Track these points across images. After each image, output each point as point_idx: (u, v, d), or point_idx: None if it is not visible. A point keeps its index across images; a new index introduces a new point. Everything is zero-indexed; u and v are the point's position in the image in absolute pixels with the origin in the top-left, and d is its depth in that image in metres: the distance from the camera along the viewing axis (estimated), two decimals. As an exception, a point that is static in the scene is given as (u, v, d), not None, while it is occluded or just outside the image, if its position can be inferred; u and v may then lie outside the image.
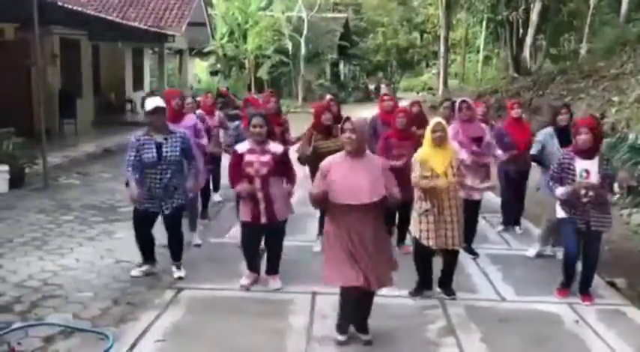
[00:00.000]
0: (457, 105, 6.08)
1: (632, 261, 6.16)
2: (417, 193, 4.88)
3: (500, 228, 7.20)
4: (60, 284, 5.04)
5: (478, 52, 35.21)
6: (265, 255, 5.28)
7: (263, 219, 4.90)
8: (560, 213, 5.11)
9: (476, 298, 5.09)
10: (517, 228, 7.18)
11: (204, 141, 6.34)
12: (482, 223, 7.21)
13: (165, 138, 5.03)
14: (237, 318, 4.50)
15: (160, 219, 5.25)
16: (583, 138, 4.78)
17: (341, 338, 4.15)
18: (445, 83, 31.48)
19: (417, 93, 36.53)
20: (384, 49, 46.27)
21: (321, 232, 6.12)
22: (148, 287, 5.05)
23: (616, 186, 4.85)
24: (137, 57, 20.56)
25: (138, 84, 20.71)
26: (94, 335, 4.12)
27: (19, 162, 8.78)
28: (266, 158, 4.83)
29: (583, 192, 4.75)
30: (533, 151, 6.18)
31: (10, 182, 8.40)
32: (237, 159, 4.92)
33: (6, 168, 8.38)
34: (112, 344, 3.96)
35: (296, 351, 4.04)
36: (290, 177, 5.06)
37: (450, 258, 4.98)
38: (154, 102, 5.01)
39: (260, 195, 4.86)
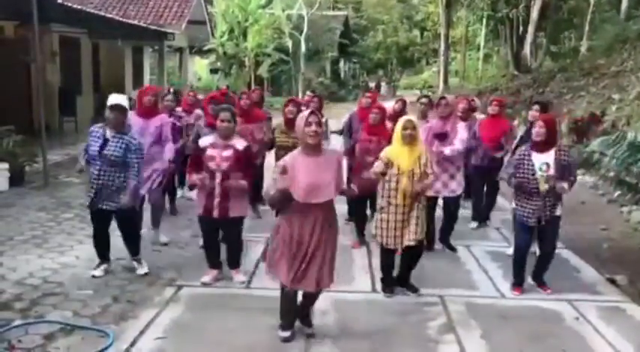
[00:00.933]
0: (435, 101, 6.12)
1: (632, 258, 6.16)
2: (379, 191, 4.85)
3: (474, 224, 7.15)
4: (60, 281, 5.04)
5: (478, 49, 35.21)
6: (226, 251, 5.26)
7: (215, 213, 4.89)
8: (514, 204, 5.17)
9: (476, 295, 5.09)
10: (487, 221, 7.20)
11: (169, 146, 5.97)
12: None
13: (114, 136, 4.95)
14: (237, 315, 4.50)
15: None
16: (536, 130, 4.84)
17: (284, 334, 4.13)
18: (445, 81, 31.50)
19: (421, 90, 36.53)
20: (384, 47, 46.28)
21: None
22: (147, 285, 5.05)
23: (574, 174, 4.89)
24: (137, 55, 20.52)
25: (138, 82, 20.66)
26: (94, 332, 4.11)
27: (19, 160, 8.77)
28: (228, 153, 4.81)
29: (546, 186, 4.72)
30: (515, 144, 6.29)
31: (10, 180, 8.40)
32: (199, 153, 4.91)
33: (6, 165, 8.38)
34: (112, 341, 3.96)
35: (296, 348, 4.04)
36: (248, 174, 4.98)
37: (409, 254, 4.89)
38: (114, 99, 4.98)
39: (217, 190, 4.83)
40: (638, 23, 18.37)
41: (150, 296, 4.82)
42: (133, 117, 5.63)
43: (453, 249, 6.19)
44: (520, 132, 6.34)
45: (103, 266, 5.27)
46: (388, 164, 4.68)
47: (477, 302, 4.91)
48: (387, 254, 4.94)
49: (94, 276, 5.15)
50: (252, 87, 26.78)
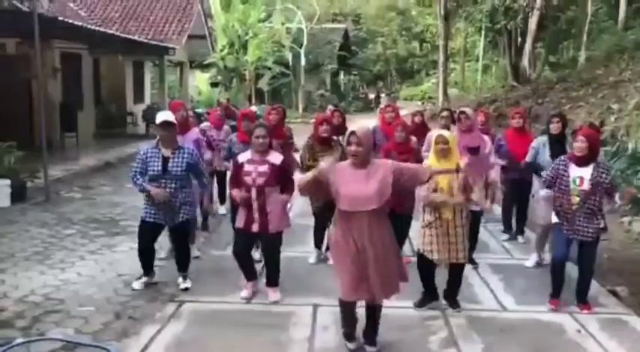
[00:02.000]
0: (456, 115, 6.11)
1: (633, 269, 6.16)
2: (421, 205, 4.87)
3: (505, 237, 7.20)
4: (62, 298, 5.04)
5: (477, 60, 35.33)
6: (264, 267, 5.28)
7: (255, 228, 4.94)
8: (554, 219, 5.14)
9: (477, 308, 5.08)
10: (520, 237, 7.17)
11: (208, 155, 6.34)
12: (482, 232, 7.22)
13: (173, 153, 5.08)
14: (239, 331, 4.50)
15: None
16: (578, 145, 4.85)
17: (351, 346, 4.18)
18: (445, 92, 31.54)
19: (422, 102, 36.63)
20: (383, 59, 46.51)
21: (317, 244, 6.15)
22: (149, 301, 5.05)
23: (617, 197, 4.86)
24: (138, 70, 20.65)
25: (139, 96, 20.79)
26: (96, 349, 4.11)
27: (20, 176, 8.82)
28: (264, 168, 4.87)
29: (577, 200, 4.77)
30: (527, 158, 6.25)
31: (12, 196, 8.43)
32: (237, 169, 4.99)
33: (8, 182, 8.42)
34: (114, 358, 3.96)
35: (298, 364, 4.04)
36: (288, 187, 5.06)
37: (455, 271, 4.97)
38: (163, 116, 5.07)
39: (255, 204, 4.89)
40: (635, 33, 18.48)
41: (151, 312, 4.83)
42: None
43: (474, 263, 6.16)
44: (536, 144, 6.28)
45: (144, 279, 5.35)
46: (435, 190, 4.68)
47: (479, 316, 4.91)
48: (426, 266, 4.94)
49: (133, 289, 5.23)
50: (253, 100, 26.98)
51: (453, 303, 5.03)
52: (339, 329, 4.40)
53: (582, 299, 5.09)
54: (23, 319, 4.61)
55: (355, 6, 48.12)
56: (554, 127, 6.12)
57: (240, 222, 5.04)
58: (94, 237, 6.98)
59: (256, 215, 4.91)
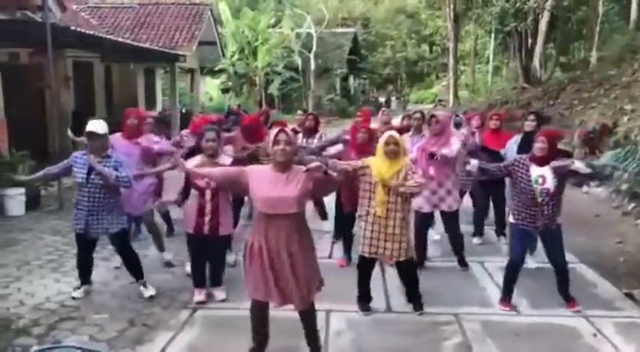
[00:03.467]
0: (427, 119, 6.16)
1: (649, 272, 6.09)
2: (360, 200, 4.89)
3: (476, 240, 7.10)
4: (76, 306, 5.09)
5: (487, 62, 35.23)
6: (209, 269, 5.31)
7: (205, 230, 5.03)
8: (511, 218, 5.14)
9: (491, 312, 5.06)
10: (502, 238, 7.01)
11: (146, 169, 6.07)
12: (490, 234, 7.18)
13: (100, 161, 4.99)
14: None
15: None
16: (539, 146, 4.85)
17: None
18: (455, 95, 31.48)
19: (436, 104, 36.56)
20: (393, 63, 46.54)
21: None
22: (162, 308, 5.08)
23: (581, 165, 4.84)
24: (149, 77, 20.78)
25: (150, 103, 20.90)
26: (110, 356, 4.15)
27: (34, 184, 8.89)
28: None
29: (541, 199, 4.79)
30: (503, 150, 6.30)
31: (26, 204, 8.52)
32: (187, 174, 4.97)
33: (22, 190, 8.50)
34: (129, 365, 3.98)
35: (311, 370, 4.03)
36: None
37: (402, 269, 4.96)
38: (89, 126, 4.98)
39: (208, 207, 5.00)
40: (648, 33, 18.33)
41: (165, 319, 4.85)
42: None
43: (464, 265, 6.17)
44: (514, 141, 6.31)
45: (83, 288, 5.36)
46: (364, 168, 4.75)
47: (493, 320, 4.88)
48: (363, 264, 4.97)
49: (74, 298, 5.23)
50: (264, 105, 27.06)
51: (416, 305, 5.00)
52: (353, 335, 4.40)
53: (567, 296, 5.10)
54: (39, 326, 4.65)
55: (364, 10, 48.17)
56: (529, 125, 6.17)
57: (190, 227, 5.10)
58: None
59: (207, 218, 5.02)
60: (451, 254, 6.24)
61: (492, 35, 30.54)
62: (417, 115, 7.16)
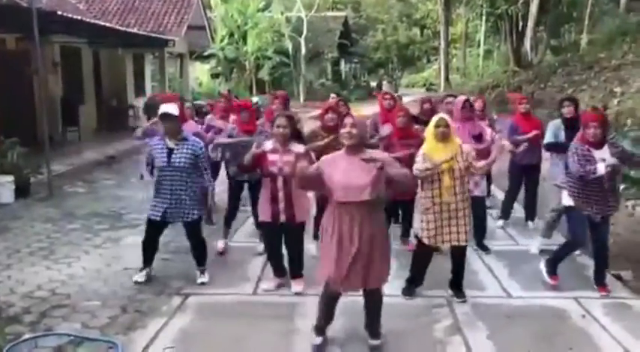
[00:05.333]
0: (459, 103, 6.09)
1: (637, 254, 6.14)
2: (421, 191, 4.86)
3: (500, 222, 7.20)
4: (68, 293, 5.07)
5: (479, 46, 35.18)
6: (287, 258, 5.27)
7: (282, 218, 4.95)
8: (569, 202, 5.15)
9: (482, 295, 5.10)
10: (530, 223, 7.16)
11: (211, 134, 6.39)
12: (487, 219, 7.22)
13: (177, 144, 5.07)
14: (245, 322, 4.52)
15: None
16: (592, 132, 4.86)
17: (317, 341, 4.11)
18: (447, 78, 31.47)
19: (427, 89, 36.51)
20: (384, 46, 46.35)
21: (316, 236, 6.17)
22: (155, 294, 5.07)
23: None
24: (138, 62, 20.58)
25: (139, 89, 20.74)
26: (103, 344, 4.14)
27: (24, 171, 8.83)
28: (289, 157, 4.86)
29: (605, 179, 4.83)
30: (547, 140, 6.23)
31: (15, 192, 8.46)
32: (261, 156, 4.93)
33: (11, 178, 8.43)
34: (121, 352, 3.99)
35: (304, 354, 4.06)
36: None
37: (457, 255, 4.97)
38: (162, 109, 5.05)
39: (281, 194, 4.90)
40: (638, 15, 18.34)
41: (157, 305, 4.85)
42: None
43: (486, 249, 6.22)
44: (555, 128, 6.28)
45: (145, 271, 5.36)
46: (427, 162, 4.67)
47: (484, 303, 4.92)
48: (425, 255, 4.96)
49: (136, 282, 5.24)
50: (254, 90, 26.94)
51: (459, 293, 5.02)
52: (347, 320, 4.42)
53: (602, 282, 5.15)
54: (30, 314, 4.63)
55: (355, -7, 47.86)
56: (568, 111, 6.12)
57: (265, 215, 5.02)
58: (98, 231, 7.00)
59: (282, 205, 4.92)
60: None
61: (483, 18, 30.47)
62: (451, 99, 7.01)
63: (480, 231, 6.24)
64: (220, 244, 6.23)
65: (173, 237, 6.34)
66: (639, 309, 4.82)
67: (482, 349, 4.13)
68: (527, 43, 24.86)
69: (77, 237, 6.75)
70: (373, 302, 4.11)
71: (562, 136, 6.02)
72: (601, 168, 4.78)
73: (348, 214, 3.82)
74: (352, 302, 4.34)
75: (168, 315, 4.64)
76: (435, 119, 4.77)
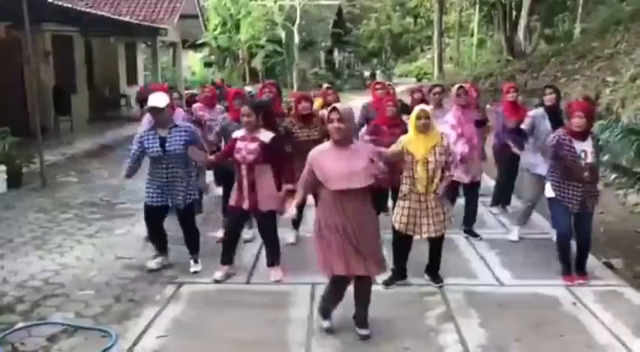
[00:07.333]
0: (454, 91, 6.15)
1: (628, 242, 6.21)
2: (401, 178, 4.88)
3: (495, 209, 7.30)
4: (61, 282, 5.07)
5: (472, 35, 35.09)
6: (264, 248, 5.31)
7: (245, 205, 4.97)
8: (550, 193, 5.17)
9: (474, 283, 5.13)
10: (508, 207, 7.32)
11: (211, 137, 6.24)
12: (479, 207, 7.25)
13: (169, 132, 5.07)
14: (238, 311, 4.54)
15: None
16: (577, 121, 4.87)
17: (326, 324, 4.20)
18: (440, 68, 31.42)
19: (419, 78, 36.42)
20: (377, 35, 46.13)
21: (294, 225, 6.18)
22: (148, 283, 5.08)
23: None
24: (130, 51, 20.46)
25: (132, 78, 20.64)
26: (96, 332, 4.15)
27: (16, 161, 8.79)
28: (253, 145, 4.87)
29: (586, 173, 4.84)
30: (524, 126, 6.23)
31: (7, 182, 8.42)
32: (231, 144, 5.01)
33: (3, 168, 8.39)
34: (115, 341, 3.99)
35: (297, 342, 4.08)
36: (282, 168, 5.02)
37: (434, 243, 4.99)
38: (151, 101, 5.03)
39: (245, 182, 4.93)
40: (631, 4, 18.32)
41: (151, 294, 4.86)
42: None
43: (476, 235, 6.28)
44: (533, 113, 6.30)
45: (159, 259, 5.39)
46: (403, 150, 4.70)
47: (476, 291, 4.95)
48: (401, 243, 4.97)
49: (150, 270, 5.26)
50: (247, 79, 26.83)
51: (436, 277, 5.06)
52: (339, 308, 4.44)
53: (583, 270, 5.17)
54: (23, 304, 4.64)
55: (348, -19, 47.56)
56: (549, 99, 6.15)
57: (232, 200, 5.08)
58: (91, 220, 6.99)
59: (246, 192, 4.94)
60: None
61: (477, 7, 30.38)
62: (438, 89, 7.11)
63: (469, 218, 6.32)
64: (220, 233, 6.21)
65: (167, 227, 6.34)
66: (629, 297, 4.87)
67: (474, 337, 4.17)
68: (521, 33, 24.83)
69: (70, 226, 6.74)
70: (365, 292, 4.14)
71: (547, 125, 6.03)
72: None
73: (343, 203, 3.86)
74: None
75: (161, 304, 4.65)
76: (415, 110, 4.76)
